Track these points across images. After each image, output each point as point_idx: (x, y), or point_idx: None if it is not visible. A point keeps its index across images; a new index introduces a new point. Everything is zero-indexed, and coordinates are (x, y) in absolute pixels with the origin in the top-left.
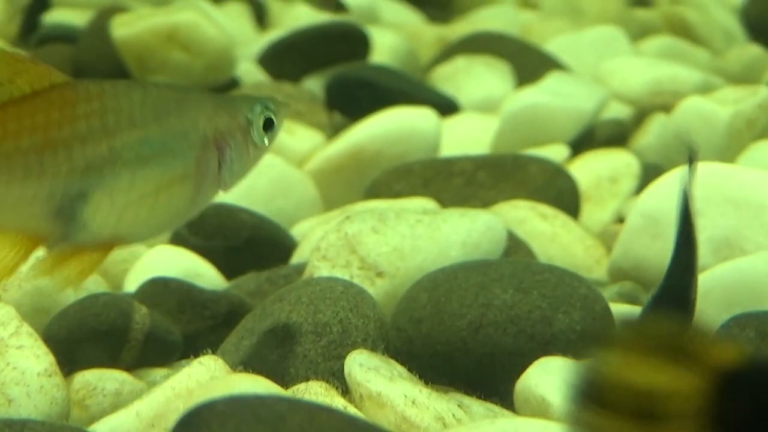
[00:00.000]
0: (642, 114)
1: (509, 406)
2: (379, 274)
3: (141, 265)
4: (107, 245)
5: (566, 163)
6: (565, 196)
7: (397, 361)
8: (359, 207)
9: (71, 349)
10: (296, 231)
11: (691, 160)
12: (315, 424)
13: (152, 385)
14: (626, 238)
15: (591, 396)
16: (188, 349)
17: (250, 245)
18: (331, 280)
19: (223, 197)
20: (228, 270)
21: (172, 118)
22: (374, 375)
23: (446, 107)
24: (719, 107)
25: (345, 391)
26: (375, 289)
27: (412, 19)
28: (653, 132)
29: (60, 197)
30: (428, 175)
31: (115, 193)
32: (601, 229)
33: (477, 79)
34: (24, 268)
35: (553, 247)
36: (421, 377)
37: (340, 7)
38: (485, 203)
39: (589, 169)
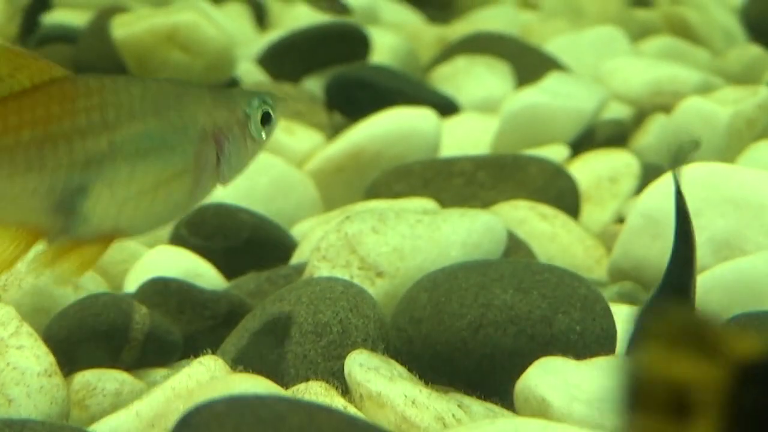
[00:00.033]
0: (642, 114)
1: (509, 406)
2: (379, 274)
3: (141, 265)
4: (107, 239)
5: (566, 163)
6: (565, 197)
7: (397, 361)
8: (359, 207)
9: (71, 349)
10: (296, 231)
11: (680, 159)
12: (315, 424)
13: (152, 385)
14: (626, 238)
15: (632, 392)
16: (188, 349)
17: (250, 245)
18: (331, 280)
19: (223, 197)
20: (228, 270)
21: (171, 112)
22: (374, 375)
23: (446, 107)
24: (719, 107)
25: (345, 391)
26: (375, 289)
27: (412, 19)
28: (653, 132)
29: (60, 191)
30: (428, 175)
31: (115, 186)
32: (601, 230)
33: (477, 80)
34: (24, 262)
35: (553, 247)
36: (421, 377)
37: (344, 10)
38: (485, 203)
39: (589, 170)
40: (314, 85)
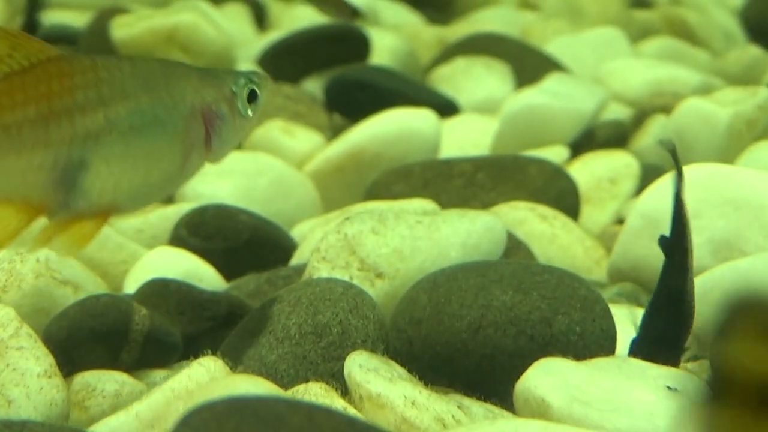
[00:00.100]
0: (642, 115)
1: (509, 407)
2: (379, 275)
3: (141, 266)
4: (105, 213)
5: (566, 164)
6: (564, 197)
7: (397, 362)
8: (359, 208)
9: (71, 350)
10: (296, 232)
11: (676, 163)
12: (314, 425)
13: (152, 386)
14: (626, 239)
15: (716, 385)
16: (188, 350)
17: (249, 246)
18: (331, 281)
19: (223, 198)
20: (228, 271)
21: (160, 89)
22: (374, 376)
23: (446, 108)
24: (719, 108)
25: (345, 392)
26: (375, 290)
27: (412, 20)
28: (653, 133)
29: (62, 166)
30: (428, 176)
31: (111, 161)
32: (601, 230)
33: (477, 80)
34: (24, 245)
35: (553, 248)
36: (420, 378)
37: (355, 14)
38: (485, 204)
39: (589, 170)
40: (314, 86)
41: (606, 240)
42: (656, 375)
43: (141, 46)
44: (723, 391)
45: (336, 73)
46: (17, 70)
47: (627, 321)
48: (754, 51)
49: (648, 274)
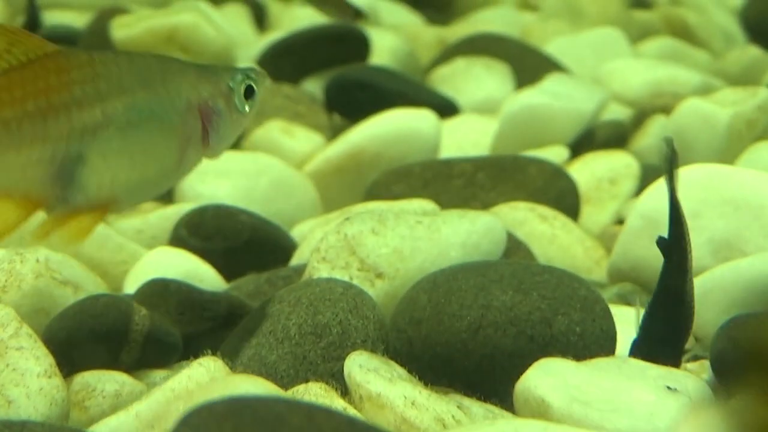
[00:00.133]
0: (642, 115)
1: (509, 408)
2: (379, 276)
3: (141, 266)
4: (103, 208)
5: (566, 164)
6: (564, 198)
7: (397, 362)
8: (359, 208)
9: (71, 351)
10: (296, 232)
11: (671, 164)
12: (314, 425)
13: (152, 386)
14: (626, 239)
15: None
16: (188, 350)
17: (249, 247)
18: (331, 282)
19: (222, 199)
20: (228, 271)
21: (156, 84)
22: (374, 376)
23: (446, 109)
24: (719, 109)
25: (345, 392)
26: (374, 290)
27: (412, 20)
28: (653, 133)
29: (61, 160)
30: (428, 176)
31: (108, 156)
32: (601, 231)
33: (477, 81)
34: (24, 237)
35: (553, 249)
36: (420, 378)
37: (358, 15)
38: (485, 204)
39: (589, 171)
40: (314, 86)
41: (606, 240)
42: (656, 375)
43: (141, 47)
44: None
45: (336, 73)
46: (16, 65)
47: (629, 321)
48: (753, 51)
49: (648, 274)
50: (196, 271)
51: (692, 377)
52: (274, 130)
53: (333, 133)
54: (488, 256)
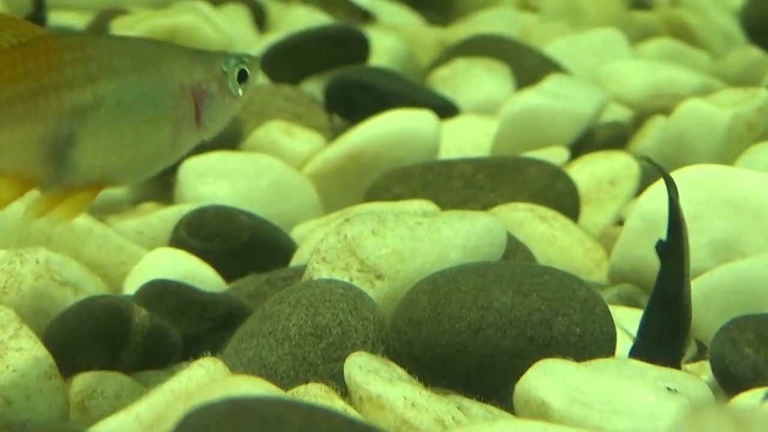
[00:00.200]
0: (641, 116)
1: (509, 409)
2: (379, 277)
3: (140, 267)
4: (96, 187)
5: (566, 165)
6: (564, 199)
7: (397, 363)
8: (359, 209)
9: (71, 352)
10: (296, 233)
11: (663, 171)
12: (314, 426)
13: (152, 387)
14: (626, 240)
15: None
16: (188, 351)
17: (249, 248)
18: (331, 283)
19: (222, 200)
20: (227, 272)
21: (149, 66)
22: (374, 377)
23: (446, 110)
24: (719, 110)
25: (345, 393)
26: (374, 291)
27: (412, 21)
28: (653, 134)
29: (52, 140)
30: (428, 177)
31: (100, 136)
32: (601, 232)
33: (476, 82)
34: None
35: (553, 250)
36: (420, 379)
37: (365, 17)
38: (485, 206)
39: (589, 172)
40: (314, 87)
41: (606, 241)
42: (656, 376)
43: None
44: None
45: (336, 74)
46: (6, 48)
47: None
48: (753, 52)
49: (648, 275)
50: (195, 272)
51: (692, 378)
52: (274, 131)
53: (333, 134)
54: (488, 257)
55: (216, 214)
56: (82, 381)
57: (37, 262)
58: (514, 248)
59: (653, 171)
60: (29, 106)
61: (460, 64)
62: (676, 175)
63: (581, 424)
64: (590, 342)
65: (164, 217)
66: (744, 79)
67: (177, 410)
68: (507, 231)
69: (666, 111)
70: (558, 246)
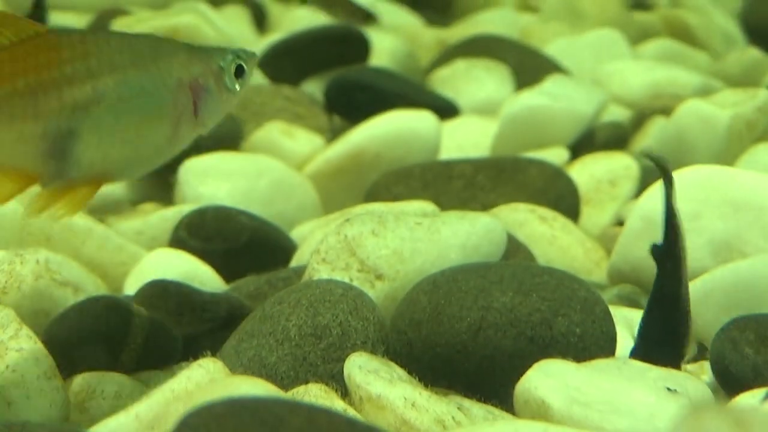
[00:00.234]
0: (641, 117)
1: (509, 409)
2: (379, 277)
3: (140, 267)
4: (97, 181)
5: (566, 165)
6: (564, 199)
7: (397, 363)
8: (359, 210)
9: (71, 352)
10: (296, 234)
11: (664, 172)
12: (314, 426)
13: (152, 387)
14: (626, 240)
15: None
16: (188, 351)
17: (249, 248)
18: (331, 283)
19: (222, 200)
20: (227, 272)
21: (148, 62)
22: (374, 377)
23: (446, 110)
24: (719, 110)
25: (345, 393)
26: (374, 291)
27: (412, 22)
28: (653, 135)
29: (52, 136)
30: (428, 177)
31: (100, 131)
32: (601, 232)
33: (476, 82)
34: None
35: (553, 250)
36: (420, 380)
37: (368, 18)
38: (485, 206)
39: (589, 172)
40: (314, 87)
41: (606, 241)
42: (656, 376)
43: None
44: None
45: (336, 74)
46: (6, 45)
47: (626, 324)
48: (753, 53)
49: (648, 275)
50: (195, 272)
51: (692, 378)
52: (274, 131)
53: (333, 135)
54: (488, 257)
55: (216, 214)
56: (82, 381)
57: (37, 262)
58: (515, 248)
59: (654, 169)
60: (30, 103)
61: (460, 65)
62: (675, 175)
63: (581, 424)
64: (590, 342)
65: (164, 217)
66: (744, 80)
67: (177, 410)
68: (507, 231)
69: (666, 111)
70: (558, 246)
